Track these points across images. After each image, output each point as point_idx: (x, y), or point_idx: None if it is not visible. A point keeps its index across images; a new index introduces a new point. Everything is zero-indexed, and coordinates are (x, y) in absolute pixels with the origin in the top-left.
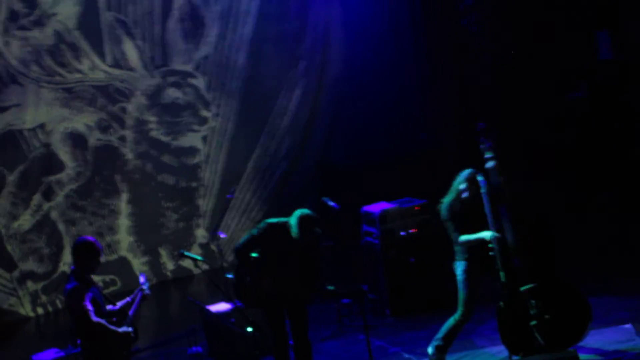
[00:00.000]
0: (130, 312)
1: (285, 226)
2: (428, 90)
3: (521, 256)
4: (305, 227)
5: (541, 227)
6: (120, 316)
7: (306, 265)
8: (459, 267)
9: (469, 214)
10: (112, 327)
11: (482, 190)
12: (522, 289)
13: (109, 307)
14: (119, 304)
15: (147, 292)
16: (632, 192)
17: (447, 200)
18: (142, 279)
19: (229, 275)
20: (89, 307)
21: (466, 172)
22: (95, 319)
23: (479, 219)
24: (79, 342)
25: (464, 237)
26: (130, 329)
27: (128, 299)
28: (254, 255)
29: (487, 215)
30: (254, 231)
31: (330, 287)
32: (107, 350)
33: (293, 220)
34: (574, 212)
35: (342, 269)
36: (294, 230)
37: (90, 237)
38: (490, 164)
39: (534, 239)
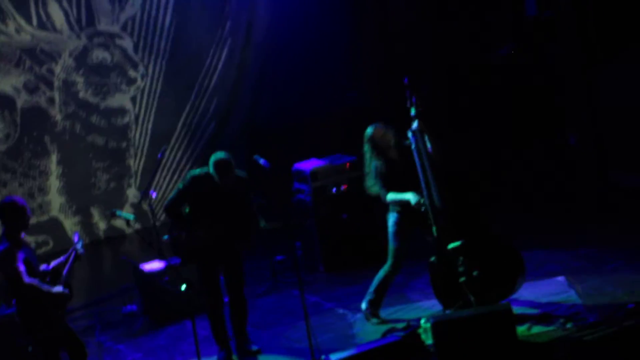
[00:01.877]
0: (64, 272)
1: (209, 175)
2: (356, 46)
3: (446, 215)
4: (221, 171)
5: (466, 183)
6: (54, 276)
7: (238, 211)
8: (391, 219)
9: (393, 170)
10: (46, 287)
11: (412, 147)
12: (449, 247)
13: (43, 266)
14: (52, 264)
15: (81, 251)
16: (557, 146)
17: (369, 175)
18: (75, 238)
19: (165, 237)
20: (21, 268)
21: (366, 134)
22: (27, 280)
23: (405, 174)
24: (13, 302)
25: (391, 196)
26: (64, 288)
27: (62, 258)
28: (186, 210)
29: (417, 172)
30: (180, 185)
31: (264, 225)
32: (41, 310)
33: (210, 166)
34: (500, 166)
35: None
36: (215, 177)
37: (15, 196)
38: (414, 121)
39: (459, 195)
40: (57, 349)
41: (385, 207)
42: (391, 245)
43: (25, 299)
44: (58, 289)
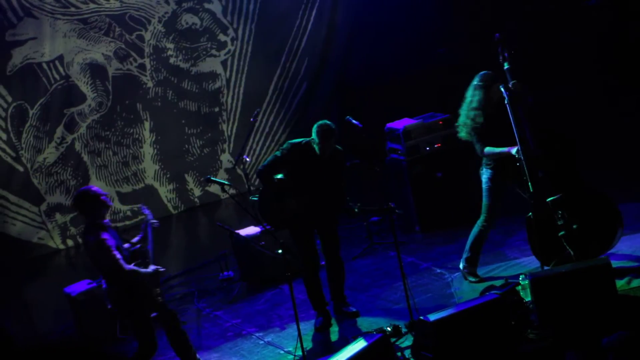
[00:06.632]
0: (150, 248)
1: (308, 145)
2: (444, 3)
3: (544, 166)
4: (324, 135)
5: (563, 136)
6: (142, 256)
7: (332, 185)
8: (484, 175)
9: (492, 125)
10: (144, 271)
11: (505, 102)
12: (548, 200)
13: (125, 245)
14: (131, 241)
15: (156, 223)
16: None
17: (463, 115)
18: (146, 211)
19: (254, 198)
20: (118, 255)
21: (477, 79)
22: (127, 267)
23: (502, 130)
24: (104, 286)
25: (489, 150)
26: (158, 267)
27: (138, 237)
28: (279, 176)
29: (512, 126)
30: (278, 152)
31: (355, 209)
32: (143, 291)
33: (313, 132)
34: (599, 119)
35: (368, 187)
36: (316, 145)
37: (88, 186)
38: (509, 75)
39: (556, 148)
40: (150, 326)
41: (479, 163)
42: (485, 201)
43: (126, 285)
44: (152, 268)
